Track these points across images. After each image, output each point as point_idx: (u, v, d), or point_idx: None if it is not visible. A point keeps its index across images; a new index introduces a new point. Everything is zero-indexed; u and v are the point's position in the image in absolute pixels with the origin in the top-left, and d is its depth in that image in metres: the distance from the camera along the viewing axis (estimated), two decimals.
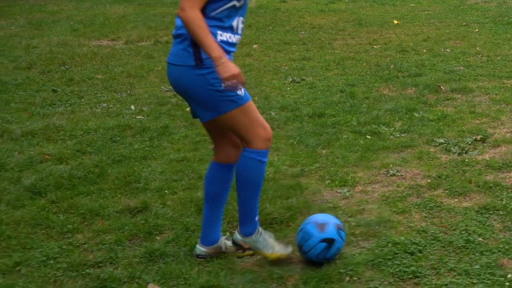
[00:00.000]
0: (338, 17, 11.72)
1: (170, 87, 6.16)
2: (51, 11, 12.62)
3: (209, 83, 2.67)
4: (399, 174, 3.94)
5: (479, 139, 4.46)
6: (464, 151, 4.25)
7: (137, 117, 5.27)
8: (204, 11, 2.65)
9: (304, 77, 6.61)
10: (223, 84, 2.58)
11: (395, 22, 10.80)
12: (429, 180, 3.83)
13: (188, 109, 5.33)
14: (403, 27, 10.26)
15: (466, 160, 4.11)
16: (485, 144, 4.42)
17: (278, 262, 2.93)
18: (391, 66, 6.97)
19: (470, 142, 4.40)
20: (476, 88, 5.94)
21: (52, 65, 7.38)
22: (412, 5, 12.92)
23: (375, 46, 8.54)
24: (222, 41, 2.73)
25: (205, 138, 4.67)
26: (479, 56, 7.44)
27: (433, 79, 6.29)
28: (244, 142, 2.84)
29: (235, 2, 2.72)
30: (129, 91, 6.22)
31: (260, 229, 2.98)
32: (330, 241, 2.83)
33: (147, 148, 4.51)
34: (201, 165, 4.12)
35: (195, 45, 2.67)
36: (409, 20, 10.96)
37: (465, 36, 8.93)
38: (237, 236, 2.99)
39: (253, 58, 7.87)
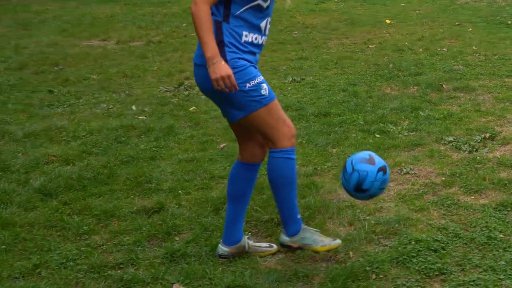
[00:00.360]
0: (330, 17, 11.81)
1: (169, 87, 6.33)
2: (36, 11, 12.51)
3: None
4: (413, 172, 3.97)
5: (487, 137, 4.52)
6: (474, 149, 4.29)
7: (139, 117, 5.25)
8: (229, 10, 2.69)
9: (304, 77, 6.65)
10: (214, 85, 2.60)
11: (388, 21, 10.89)
12: (443, 178, 3.86)
13: (192, 108, 5.34)
14: (396, 26, 10.34)
15: (478, 157, 4.16)
16: (494, 142, 4.48)
17: (328, 252, 2.95)
18: (390, 65, 7.03)
19: (479, 140, 4.45)
20: (478, 86, 6.01)
21: (45, 66, 7.34)
22: (403, 4, 13.03)
23: (370, 46, 8.61)
24: (246, 42, 2.75)
25: (212, 138, 4.68)
26: (477, 55, 7.53)
27: (434, 78, 6.35)
28: (270, 143, 2.86)
29: (260, 1, 2.73)
30: (127, 92, 6.20)
31: (305, 225, 3.00)
32: (383, 168, 2.81)
33: (154, 149, 4.49)
34: (212, 165, 4.12)
35: (219, 46, 2.68)
36: (401, 19, 11.06)
37: (460, 35, 9.04)
38: (284, 238, 2.99)
39: None
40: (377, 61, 7.42)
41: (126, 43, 9.16)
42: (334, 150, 4.40)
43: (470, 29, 9.54)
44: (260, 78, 2.78)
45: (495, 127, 4.77)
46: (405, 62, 7.12)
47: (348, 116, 5.12)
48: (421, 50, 7.99)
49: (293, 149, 2.86)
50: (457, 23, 10.24)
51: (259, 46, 2.83)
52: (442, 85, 6.01)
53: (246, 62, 2.71)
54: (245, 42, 2.75)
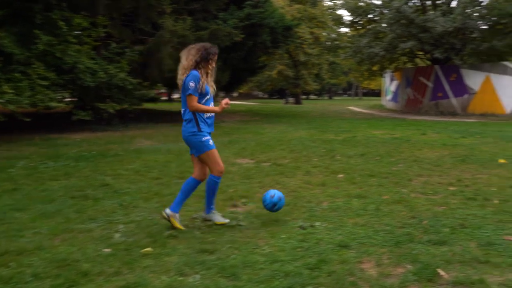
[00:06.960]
0: (449, 151, 11.02)
1: None
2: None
3: None
4: None
5: None
6: None
7: None
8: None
9: (313, 224, 5.43)
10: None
11: (501, 161, 9.46)
12: None
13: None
14: (507, 167, 8.90)
15: None
16: None
17: None
18: (424, 222, 5.42)
19: None
20: None
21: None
22: None
23: (450, 188, 7.28)
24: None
25: None
26: None
27: None
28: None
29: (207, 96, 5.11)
30: None
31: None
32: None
33: None
34: None
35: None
36: None
37: None
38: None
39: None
40: (421, 215, 5.81)
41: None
42: None
43: None
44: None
45: None
46: (445, 219, 5.50)
47: None
48: (496, 201, 6.28)
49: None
50: None
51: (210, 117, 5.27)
52: None
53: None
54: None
